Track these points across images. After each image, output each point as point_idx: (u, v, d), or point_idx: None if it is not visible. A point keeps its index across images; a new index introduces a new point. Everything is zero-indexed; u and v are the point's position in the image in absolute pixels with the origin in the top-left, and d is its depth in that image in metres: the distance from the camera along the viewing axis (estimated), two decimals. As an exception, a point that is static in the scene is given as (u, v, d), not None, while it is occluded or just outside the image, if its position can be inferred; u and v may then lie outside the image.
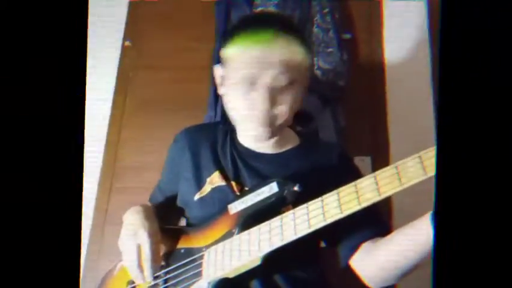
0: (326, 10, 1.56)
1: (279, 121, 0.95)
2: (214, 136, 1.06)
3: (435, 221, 0.69)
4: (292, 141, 1.05)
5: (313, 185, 0.85)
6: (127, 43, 1.67)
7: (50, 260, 0.69)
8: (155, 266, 0.92)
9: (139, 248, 0.91)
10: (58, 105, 0.74)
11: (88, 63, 0.76)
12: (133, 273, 0.92)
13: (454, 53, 0.70)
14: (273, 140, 1.01)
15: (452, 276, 0.66)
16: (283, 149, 1.03)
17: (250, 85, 0.92)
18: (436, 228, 0.69)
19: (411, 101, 1.53)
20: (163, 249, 0.97)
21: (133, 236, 0.92)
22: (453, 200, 0.67)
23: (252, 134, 0.99)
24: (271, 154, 1.02)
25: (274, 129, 0.96)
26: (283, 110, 0.94)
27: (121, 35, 1.67)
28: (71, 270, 0.70)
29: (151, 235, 0.92)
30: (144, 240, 0.91)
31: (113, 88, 1.63)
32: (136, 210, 0.98)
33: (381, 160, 1.49)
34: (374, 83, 1.58)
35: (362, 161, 1.48)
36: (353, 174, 0.84)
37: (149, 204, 1.13)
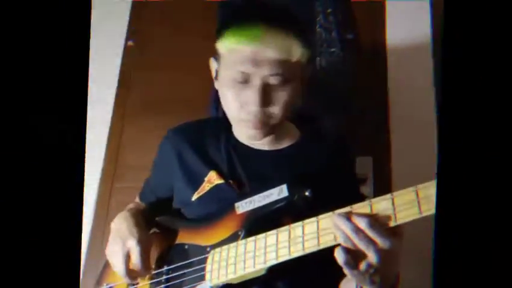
0: (329, 10, 1.55)
1: (273, 121, 0.91)
2: (208, 133, 1.02)
3: (436, 221, 0.69)
4: (291, 136, 1.02)
5: (312, 188, 0.83)
6: (129, 43, 1.68)
7: (50, 259, 0.69)
8: (145, 272, 0.91)
9: (126, 256, 0.90)
10: (59, 105, 0.74)
11: (90, 62, 0.76)
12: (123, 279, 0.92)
13: (457, 53, 0.69)
14: (270, 136, 0.97)
15: (452, 276, 0.66)
16: (281, 146, 0.99)
17: (241, 85, 0.88)
18: (437, 229, 0.68)
19: (413, 101, 1.53)
20: (157, 249, 0.96)
21: (122, 244, 0.91)
22: (454, 200, 0.66)
23: (244, 135, 0.96)
24: (268, 151, 0.98)
25: (268, 130, 0.92)
26: (276, 110, 0.89)
27: (123, 34, 1.68)
28: (72, 270, 0.70)
29: (140, 242, 0.90)
30: (133, 248, 0.89)
31: (115, 88, 1.64)
32: (124, 217, 0.96)
33: (382, 161, 1.50)
34: (376, 83, 1.57)
35: (363, 162, 1.48)
36: (349, 182, 0.79)
37: (140, 203, 1.11)
